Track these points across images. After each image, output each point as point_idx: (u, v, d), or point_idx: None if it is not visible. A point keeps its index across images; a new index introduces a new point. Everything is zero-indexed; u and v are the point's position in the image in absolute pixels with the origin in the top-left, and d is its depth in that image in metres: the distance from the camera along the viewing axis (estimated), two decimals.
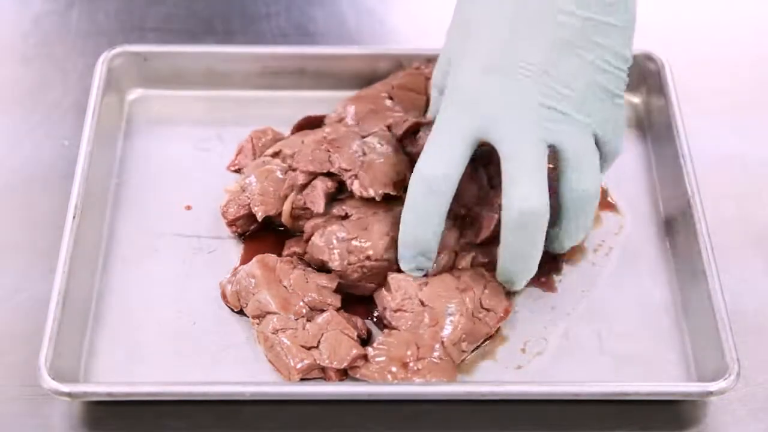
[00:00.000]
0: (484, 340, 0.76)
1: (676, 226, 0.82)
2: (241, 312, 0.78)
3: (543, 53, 0.73)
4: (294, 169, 0.80)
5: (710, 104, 0.91)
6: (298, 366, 0.73)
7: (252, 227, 0.82)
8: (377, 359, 0.74)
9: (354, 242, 0.77)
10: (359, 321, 0.77)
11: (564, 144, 0.73)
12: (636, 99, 0.90)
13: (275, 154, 0.82)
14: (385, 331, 0.76)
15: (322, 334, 0.75)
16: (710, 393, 0.72)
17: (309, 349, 0.74)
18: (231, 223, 0.81)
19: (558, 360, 0.76)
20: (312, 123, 0.87)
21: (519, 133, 0.72)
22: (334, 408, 0.74)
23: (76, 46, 0.95)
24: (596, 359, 0.76)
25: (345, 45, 0.94)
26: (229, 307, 0.78)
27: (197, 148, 0.86)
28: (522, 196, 0.72)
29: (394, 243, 0.76)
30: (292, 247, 0.80)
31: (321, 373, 0.74)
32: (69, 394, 0.72)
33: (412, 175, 0.74)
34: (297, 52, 0.90)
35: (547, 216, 0.73)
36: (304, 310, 0.76)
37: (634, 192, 0.85)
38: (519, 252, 0.74)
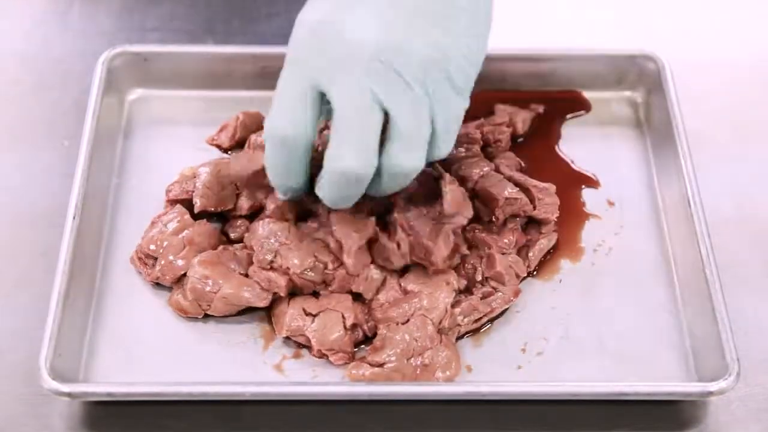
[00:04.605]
0: (489, 320, 0.77)
1: (676, 225, 0.82)
2: (240, 313, 0.78)
3: (399, 13, 0.71)
4: None
5: (710, 104, 0.91)
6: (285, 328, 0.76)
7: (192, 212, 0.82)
8: (388, 365, 0.74)
9: (283, 249, 0.77)
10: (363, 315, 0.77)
11: (397, 112, 0.71)
12: (636, 99, 0.90)
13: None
14: (377, 337, 0.76)
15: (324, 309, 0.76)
16: (710, 393, 0.72)
17: (307, 315, 0.76)
18: (170, 202, 0.82)
19: (558, 360, 0.76)
20: None
21: (350, 87, 0.70)
22: (334, 408, 0.74)
23: (76, 46, 0.95)
24: (596, 359, 0.76)
25: None
26: (190, 317, 0.77)
27: (197, 148, 0.86)
28: (337, 156, 0.71)
29: (316, 266, 0.76)
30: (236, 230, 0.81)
31: (306, 341, 0.76)
32: (69, 394, 0.72)
33: (264, 127, 0.73)
34: None
35: (366, 177, 0.71)
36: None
37: (634, 192, 0.85)
38: (334, 203, 0.73)
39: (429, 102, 0.72)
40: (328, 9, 0.72)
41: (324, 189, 0.73)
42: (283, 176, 0.74)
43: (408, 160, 0.72)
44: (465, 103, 0.74)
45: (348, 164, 0.70)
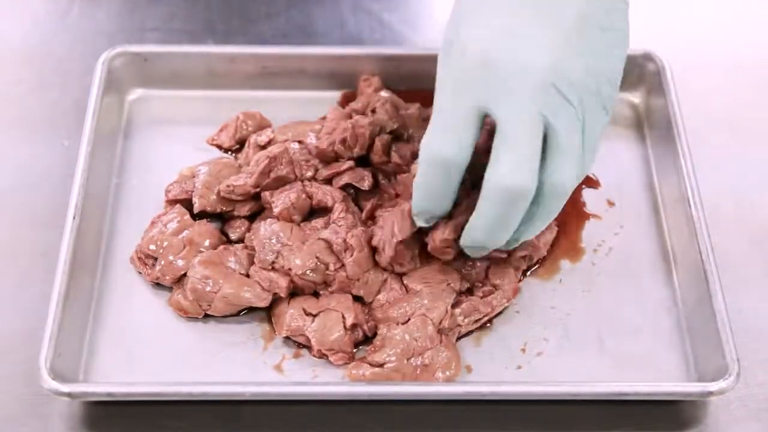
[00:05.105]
0: (489, 319, 0.77)
1: (675, 225, 0.82)
2: (240, 313, 0.78)
3: (559, 35, 0.71)
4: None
5: (710, 104, 0.91)
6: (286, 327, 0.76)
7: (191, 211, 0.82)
8: (388, 365, 0.74)
9: (285, 250, 0.77)
10: (365, 316, 0.77)
11: (560, 129, 0.71)
12: (636, 99, 0.90)
13: (269, 142, 0.83)
14: (377, 336, 0.76)
15: (324, 310, 0.76)
16: (710, 393, 0.72)
17: (307, 315, 0.76)
18: (170, 203, 0.82)
19: (558, 360, 0.76)
20: (350, 99, 0.88)
21: (519, 108, 0.70)
22: (334, 408, 0.74)
23: (76, 46, 0.95)
24: (596, 359, 0.76)
25: (345, 45, 0.94)
26: (190, 317, 0.77)
27: (197, 148, 0.86)
28: (508, 171, 0.70)
29: (318, 267, 0.76)
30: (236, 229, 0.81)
31: (306, 341, 0.76)
32: (69, 394, 0.72)
33: (422, 150, 0.72)
34: (297, 52, 0.90)
35: (530, 195, 0.71)
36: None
37: (634, 192, 0.85)
38: (491, 226, 0.72)
39: (583, 120, 0.72)
40: (492, 35, 0.72)
41: (483, 210, 0.71)
42: (436, 199, 0.73)
43: (570, 176, 0.71)
44: (607, 120, 0.74)
45: (513, 179, 0.70)
